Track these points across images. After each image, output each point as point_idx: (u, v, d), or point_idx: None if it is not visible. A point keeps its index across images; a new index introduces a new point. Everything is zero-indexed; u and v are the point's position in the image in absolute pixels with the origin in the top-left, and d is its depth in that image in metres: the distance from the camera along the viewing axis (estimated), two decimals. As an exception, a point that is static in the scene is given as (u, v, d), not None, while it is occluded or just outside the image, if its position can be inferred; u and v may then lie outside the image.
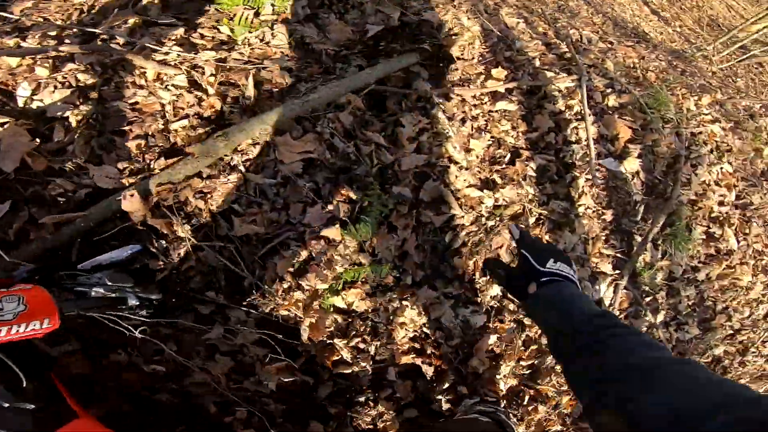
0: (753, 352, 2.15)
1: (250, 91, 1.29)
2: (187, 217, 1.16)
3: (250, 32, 1.44)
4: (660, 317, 1.83)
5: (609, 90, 1.94)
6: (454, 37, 1.81)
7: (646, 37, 4.26)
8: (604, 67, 2.08)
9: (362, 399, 1.42)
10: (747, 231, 1.94)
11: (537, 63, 1.95)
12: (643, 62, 2.41)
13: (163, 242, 1.12)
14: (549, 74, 1.89)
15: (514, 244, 0.86)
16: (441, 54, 1.73)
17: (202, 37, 1.37)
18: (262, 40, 1.45)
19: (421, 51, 1.71)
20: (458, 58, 1.78)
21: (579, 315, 0.64)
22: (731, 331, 2.03)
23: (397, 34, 1.70)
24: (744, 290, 1.97)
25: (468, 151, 1.59)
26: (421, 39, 1.72)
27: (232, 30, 1.41)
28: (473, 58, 1.86)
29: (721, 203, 1.90)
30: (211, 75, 1.26)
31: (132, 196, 1.02)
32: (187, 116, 1.21)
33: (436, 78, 1.66)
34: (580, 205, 1.74)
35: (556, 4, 3.99)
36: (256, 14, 1.49)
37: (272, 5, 1.51)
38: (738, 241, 1.91)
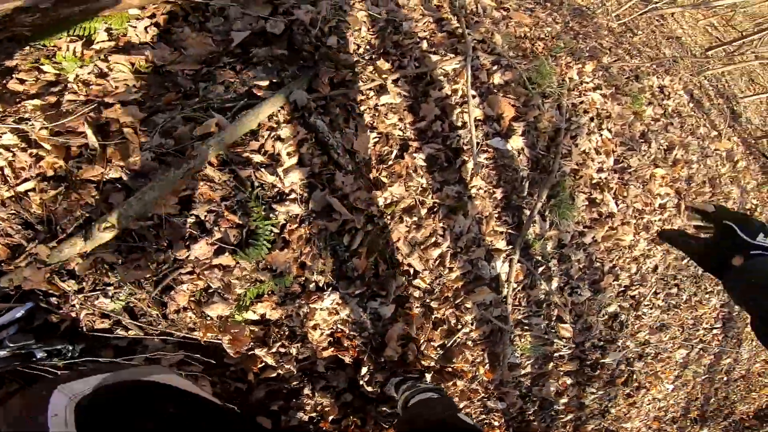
0: (647, 305, 2.48)
1: (93, 140, 1.23)
2: (70, 274, 1.18)
3: (82, 67, 1.33)
4: (554, 284, 2.05)
5: (495, 67, 2.03)
6: (334, 31, 1.79)
7: None
8: (493, 41, 2.16)
9: (299, 393, 1.55)
10: (625, 194, 2.17)
11: (424, 45, 1.99)
12: (535, 30, 2.51)
13: (53, 299, 1.16)
14: (435, 57, 1.94)
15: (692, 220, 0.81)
16: (320, 53, 1.72)
17: (22, 82, 1.25)
18: (99, 74, 1.35)
19: (300, 57, 1.69)
20: (340, 53, 1.77)
21: None
22: (622, 288, 2.31)
23: (267, 38, 1.66)
24: (628, 249, 2.25)
25: (352, 154, 1.63)
26: (296, 40, 1.69)
27: (60, 68, 1.30)
28: (358, 48, 1.86)
29: (600, 170, 2.11)
30: (42, 127, 1.17)
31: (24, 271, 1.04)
32: (29, 179, 1.15)
33: (315, 81, 1.65)
34: (472, 187, 1.88)
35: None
36: (88, 44, 1.37)
37: (108, 30, 1.40)
38: (617, 204, 2.14)
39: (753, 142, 5.29)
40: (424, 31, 2.09)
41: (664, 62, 3.90)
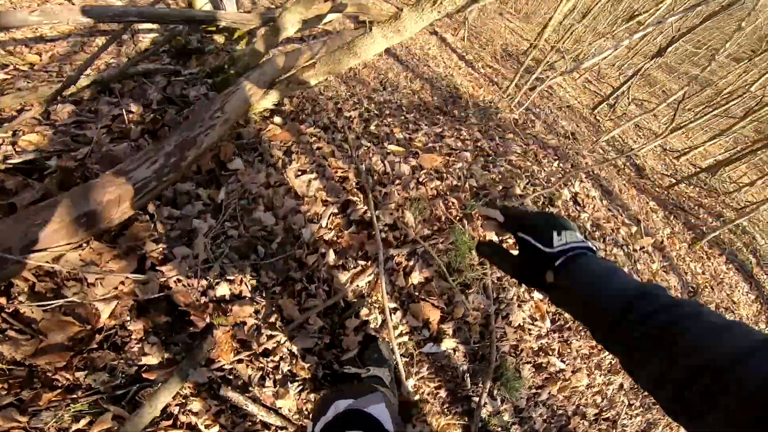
0: (624, 417, 2.43)
1: None
2: None
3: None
4: (521, 443, 1.96)
5: (411, 262, 1.97)
6: (222, 277, 1.65)
7: (457, 94, 4.57)
8: (404, 222, 2.10)
9: None
10: (569, 349, 2.15)
11: (331, 257, 1.88)
12: (447, 175, 2.51)
13: None
14: (345, 275, 1.84)
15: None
16: (210, 312, 1.56)
17: None
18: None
19: (187, 321, 1.53)
20: (235, 301, 1.62)
21: (616, 297, 0.56)
22: (592, 419, 2.27)
23: (141, 305, 1.49)
24: (586, 389, 2.21)
25: (276, 411, 1.50)
26: (178, 300, 1.53)
27: None
28: (257, 285, 1.72)
29: (539, 336, 2.08)
30: None
31: None
32: None
33: (213, 349, 1.49)
34: (416, 395, 1.76)
35: (377, 79, 4.11)
36: None
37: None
38: (564, 362, 2.11)
39: (665, 194, 5.71)
40: (329, 229, 1.99)
41: (568, 154, 4.13)
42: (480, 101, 4.82)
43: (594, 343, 2.32)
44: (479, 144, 3.18)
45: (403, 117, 3.60)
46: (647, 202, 4.56)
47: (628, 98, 8.97)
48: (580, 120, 6.79)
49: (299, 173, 2.22)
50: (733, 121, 7.27)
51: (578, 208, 2.91)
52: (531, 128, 4.58)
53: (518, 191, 2.64)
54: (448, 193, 2.37)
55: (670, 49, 5.95)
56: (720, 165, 6.82)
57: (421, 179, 2.40)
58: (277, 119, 2.60)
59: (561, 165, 3.45)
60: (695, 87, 10.29)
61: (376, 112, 3.60)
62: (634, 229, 3.27)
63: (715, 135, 7.59)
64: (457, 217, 2.22)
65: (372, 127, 3.11)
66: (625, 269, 2.84)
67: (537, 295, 2.17)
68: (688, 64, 15.08)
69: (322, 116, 2.97)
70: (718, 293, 4.21)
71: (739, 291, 4.59)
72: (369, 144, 2.70)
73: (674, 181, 6.26)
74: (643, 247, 3.22)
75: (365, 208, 2.12)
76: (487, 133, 3.68)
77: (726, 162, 6.74)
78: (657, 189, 5.70)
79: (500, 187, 2.63)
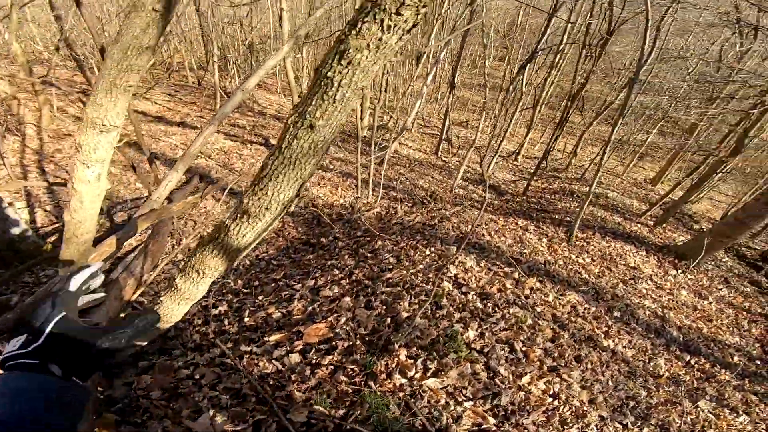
0: None
1: None
2: None
3: None
4: None
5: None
6: None
7: (318, 213, 4.78)
8: (316, 415, 2.08)
9: None
10: (525, 430, 2.24)
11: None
12: (336, 346, 2.55)
13: None
14: None
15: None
16: None
17: None
18: None
19: None
20: None
21: None
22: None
23: None
24: None
25: None
26: None
27: None
28: None
29: (490, 439, 2.14)
30: None
31: None
32: None
33: None
34: None
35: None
36: None
37: None
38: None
39: (525, 201, 6.45)
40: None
41: (434, 227, 4.52)
42: (341, 208, 5.08)
43: (543, 406, 2.46)
44: (355, 276, 3.31)
45: (273, 283, 3.62)
46: (516, 224, 5.10)
47: (454, 131, 10.23)
48: (432, 170, 7.53)
49: (195, 416, 2.12)
50: (530, 112, 8.66)
51: (463, 291, 3.13)
52: (395, 216, 4.92)
53: (405, 314, 2.78)
54: (344, 361, 2.42)
55: (456, 79, 7.09)
56: (547, 150, 8.03)
57: (314, 361, 2.42)
58: (143, 362, 2.48)
59: (432, 248, 3.74)
60: (491, 95, 12.20)
61: (244, 289, 3.59)
62: (516, 274, 3.60)
63: (528, 127, 8.98)
64: (362, 382, 2.27)
65: (246, 317, 3.09)
66: (529, 321, 3.08)
67: (467, 403, 2.27)
68: (476, 77, 18.05)
69: (190, 333, 2.86)
70: (616, 270, 4.71)
71: (630, 255, 5.15)
72: (250, 347, 2.66)
73: (525, 182, 7.16)
74: (533, 288, 3.54)
75: (276, 420, 2.08)
76: (358, 253, 3.85)
77: (549, 147, 7.97)
78: (516, 200, 6.45)
79: (388, 320, 2.75)
